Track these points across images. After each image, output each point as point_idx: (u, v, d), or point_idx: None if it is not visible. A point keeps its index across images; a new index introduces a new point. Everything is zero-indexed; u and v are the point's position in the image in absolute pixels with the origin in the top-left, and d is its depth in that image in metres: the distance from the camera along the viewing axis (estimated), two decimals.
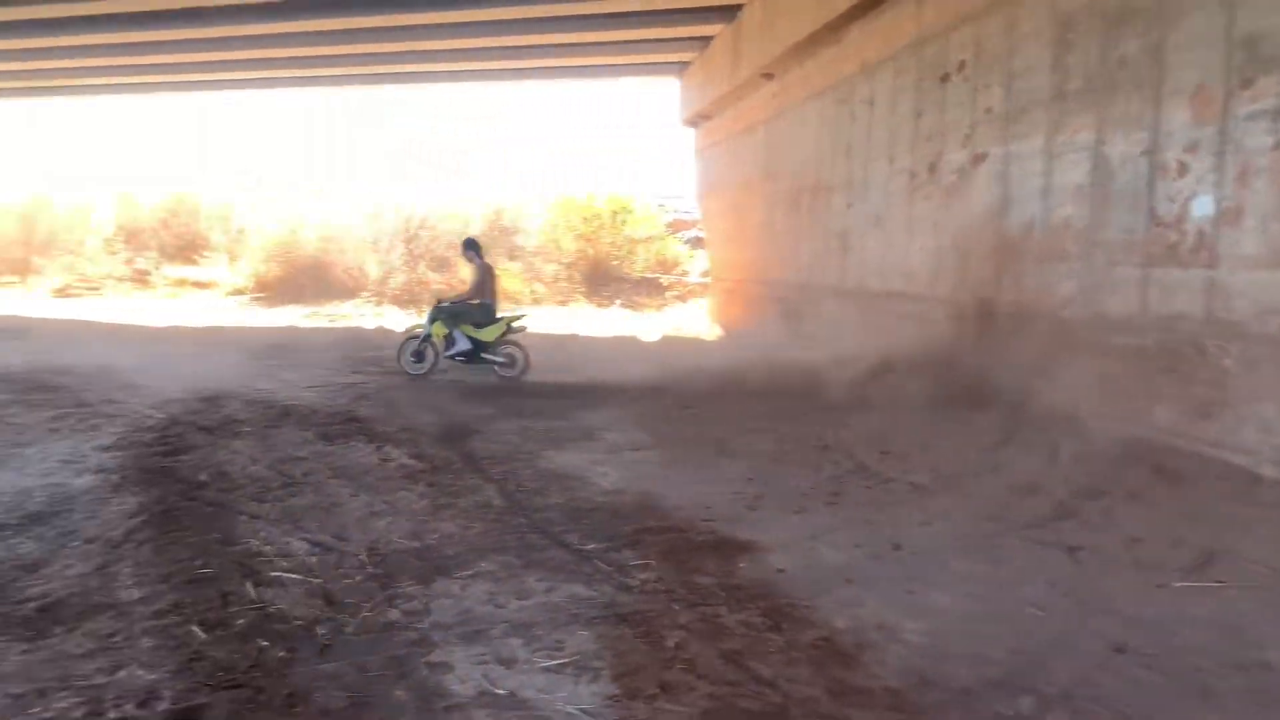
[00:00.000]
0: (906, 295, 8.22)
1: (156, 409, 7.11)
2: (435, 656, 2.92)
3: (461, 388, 8.65)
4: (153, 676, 2.75)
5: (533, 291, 19.81)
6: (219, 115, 32.25)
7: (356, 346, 12.15)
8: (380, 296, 18.77)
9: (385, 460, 5.70)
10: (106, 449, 5.80)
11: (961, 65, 7.34)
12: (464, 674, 2.81)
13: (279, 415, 6.94)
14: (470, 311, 9.04)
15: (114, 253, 21.42)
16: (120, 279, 20.43)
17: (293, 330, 15.04)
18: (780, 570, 3.81)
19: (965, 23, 7.26)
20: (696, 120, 16.61)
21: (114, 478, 5.05)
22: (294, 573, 3.64)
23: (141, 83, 19.08)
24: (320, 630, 3.11)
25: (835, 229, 9.98)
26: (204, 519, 4.28)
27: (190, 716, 2.54)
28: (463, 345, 8.90)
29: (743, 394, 8.06)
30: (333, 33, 14.26)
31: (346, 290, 19.45)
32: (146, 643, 2.99)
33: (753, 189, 13.25)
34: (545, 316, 17.07)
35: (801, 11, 9.90)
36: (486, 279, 9.26)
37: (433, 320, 9.03)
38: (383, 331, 14.87)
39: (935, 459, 5.56)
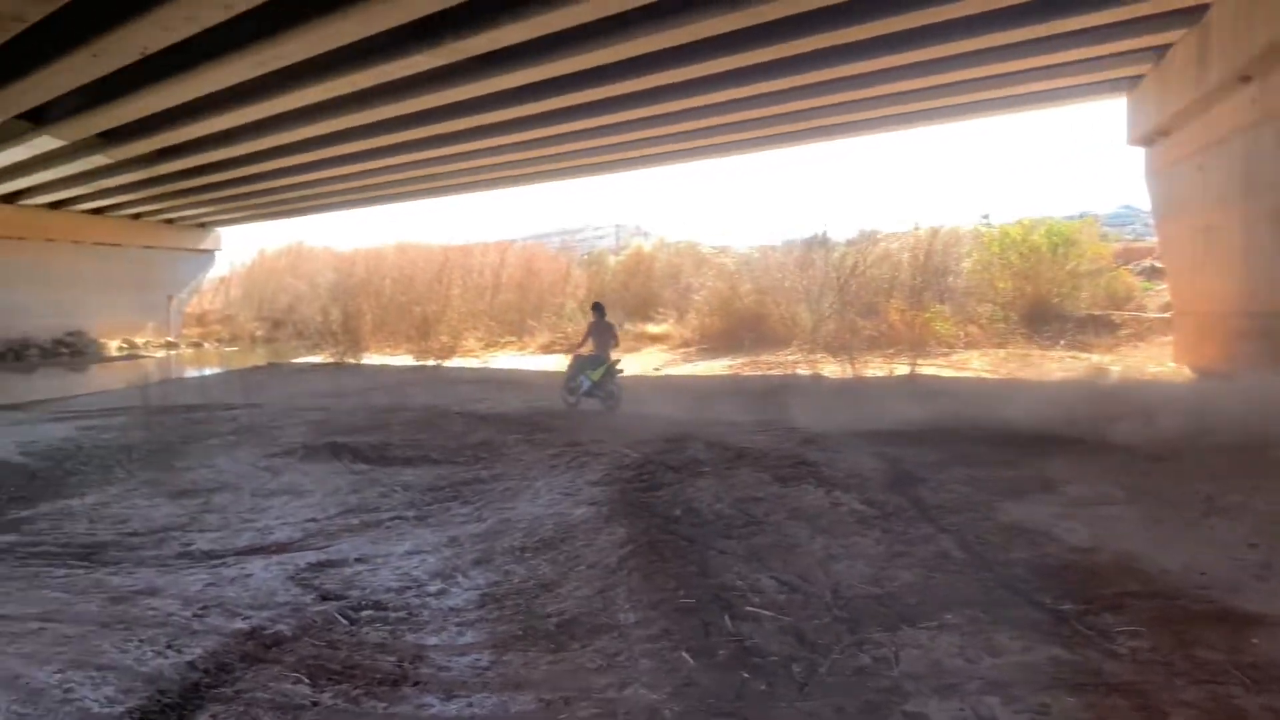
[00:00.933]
0: None
1: (631, 449, 7.94)
2: (911, 706, 2.91)
3: (904, 435, 8.57)
4: (654, 697, 3.06)
5: (965, 335, 18.97)
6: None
7: (790, 394, 12.58)
8: (812, 345, 19.20)
9: (836, 504, 5.80)
10: (595, 483, 6.59)
11: None
12: None
13: (734, 457, 7.39)
14: (587, 361, 11.76)
15: (585, 314, 24.43)
16: None
17: (734, 379, 15.97)
18: None
19: None
20: (1151, 138, 14.91)
21: (604, 510, 5.71)
22: (765, 609, 3.84)
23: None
24: (795, 668, 3.25)
25: None
26: (681, 552, 4.69)
27: None
28: (586, 385, 11.55)
29: (1229, 444, 7.02)
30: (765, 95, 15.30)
31: (780, 340, 20.18)
32: (645, 664, 3.34)
33: (1229, 208, 11.58)
34: (980, 362, 16.31)
35: None
36: (598, 335, 12.02)
37: (572, 368, 11.97)
38: (816, 379, 15.23)
39: None
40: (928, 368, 15.65)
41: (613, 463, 7.38)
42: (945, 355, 17.52)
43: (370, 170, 22.16)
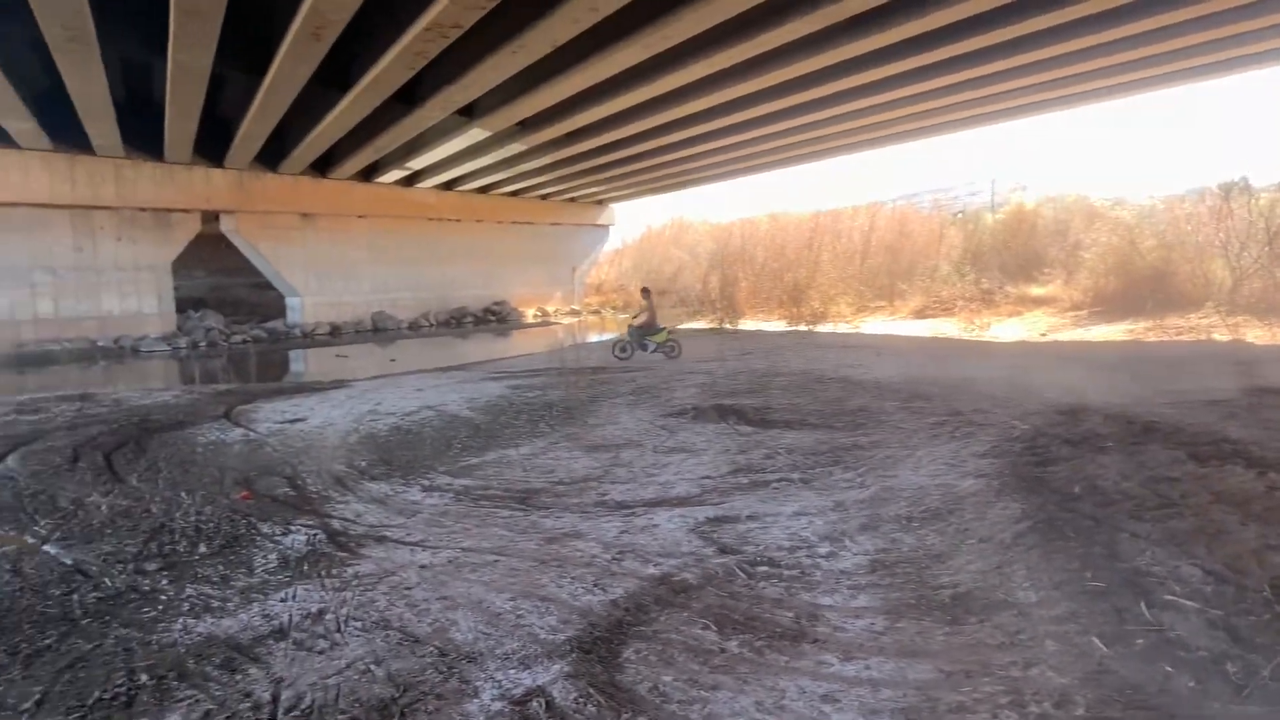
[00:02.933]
0: None
1: (1019, 420, 7.55)
2: None
3: None
4: (1063, 680, 2.95)
5: None
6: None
7: (1204, 361, 11.12)
8: (1230, 306, 16.65)
9: (1272, 488, 5.09)
10: (982, 455, 6.37)
11: None
12: None
13: (1141, 431, 6.74)
14: (646, 329, 15.62)
15: (962, 275, 23.31)
16: (968, 299, 22.03)
17: (1135, 344, 14.43)
18: None
19: None
20: None
21: (994, 483, 5.52)
22: (1188, 599, 3.52)
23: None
24: (1230, 667, 2.96)
25: None
26: (1084, 532, 4.41)
27: None
28: (652, 347, 15.46)
29: None
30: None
31: (1189, 301, 17.82)
32: (1050, 646, 3.22)
33: None
34: None
35: None
36: (651, 310, 15.83)
37: (631, 335, 15.81)
38: (1236, 344, 13.28)
39: None
40: None
41: (1000, 434, 7.07)
42: None
43: (746, 140, 22.98)
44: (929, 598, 3.81)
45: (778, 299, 24.23)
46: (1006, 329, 18.63)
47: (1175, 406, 7.91)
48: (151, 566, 4.60)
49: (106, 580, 4.37)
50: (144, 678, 3.25)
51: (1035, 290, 22.01)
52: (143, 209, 22.73)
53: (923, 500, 5.33)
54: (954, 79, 17.17)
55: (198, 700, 3.07)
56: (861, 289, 24.75)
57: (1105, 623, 3.36)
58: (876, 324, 21.95)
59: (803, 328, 21.59)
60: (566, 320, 32.77)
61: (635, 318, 16.06)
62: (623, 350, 15.71)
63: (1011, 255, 24.00)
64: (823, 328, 21.56)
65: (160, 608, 4.00)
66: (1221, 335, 14.49)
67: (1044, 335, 17.16)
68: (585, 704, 2.95)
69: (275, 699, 3.06)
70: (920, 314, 22.30)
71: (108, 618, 3.88)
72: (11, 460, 7.47)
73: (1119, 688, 2.87)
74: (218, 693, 3.12)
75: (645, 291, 16.63)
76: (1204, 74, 18.83)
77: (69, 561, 4.69)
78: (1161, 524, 4.50)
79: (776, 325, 22.48)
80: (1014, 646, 3.25)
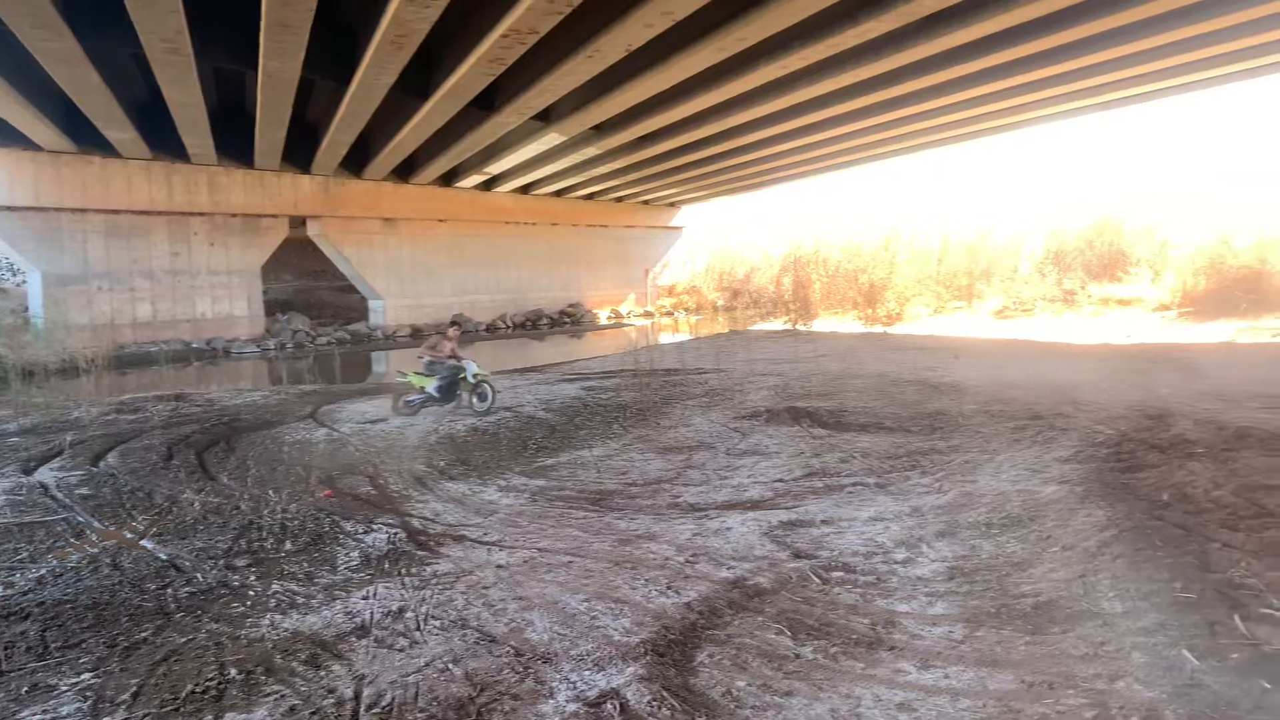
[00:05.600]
0: None
1: (1104, 424, 7.33)
2: None
3: None
4: (1151, 694, 2.87)
5: None
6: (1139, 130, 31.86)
7: None
8: None
9: None
10: (1065, 460, 6.21)
11: None
12: None
13: (1234, 437, 6.49)
14: (452, 367, 10.30)
15: (1044, 275, 22.74)
16: (1050, 300, 21.50)
17: (1227, 347, 13.86)
18: None
19: None
20: None
21: (1077, 490, 5.38)
22: None
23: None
24: None
25: None
26: (1173, 541, 4.27)
27: None
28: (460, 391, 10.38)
29: None
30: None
31: None
32: (1138, 658, 3.13)
33: None
34: None
35: None
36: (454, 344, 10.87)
37: (428, 375, 10.43)
38: None
39: None
40: None
41: (1083, 439, 6.89)
42: None
43: (819, 141, 22.81)
44: (1010, 606, 3.74)
45: (852, 300, 23.90)
46: (1089, 330, 18.07)
47: (1272, 410, 7.60)
48: (241, 563, 4.79)
49: (198, 575, 4.57)
50: (233, 672, 3.39)
51: (1120, 291, 21.39)
52: (234, 215, 23.55)
53: (1003, 506, 5.22)
54: (1032, 76, 16.82)
55: (283, 696, 3.18)
56: (939, 290, 24.27)
57: (1196, 635, 3.25)
58: (955, 325, 21.48)
59: (878, 329, 21.25)
60: (639, 322, 32.89)
61: (433, 349, 10.60)
62: (408, 404, 10.23)
63: (1095, 255, 23.33)
64: (899, 329, 21.19)
65: (248, 603, 4.16)
66: None
67: (1129, 337, 16.58)
68: (659, 707, 2.97)
69: (357, 695, 3.16)
70: (1000, 315, 21.79)
71: (199, 612, 4.05)
72: (112, 457, 7.84)
73: (1212, 703, 2.78)
74: (303, 688, 3.23)
75: (455, 322, 11.91)
76: None
77: (164, 557, 4.91)
78: (1257, 534, 4.34)
79: (851, 326, 22.16)
80: (1099, 658, 3.18)
